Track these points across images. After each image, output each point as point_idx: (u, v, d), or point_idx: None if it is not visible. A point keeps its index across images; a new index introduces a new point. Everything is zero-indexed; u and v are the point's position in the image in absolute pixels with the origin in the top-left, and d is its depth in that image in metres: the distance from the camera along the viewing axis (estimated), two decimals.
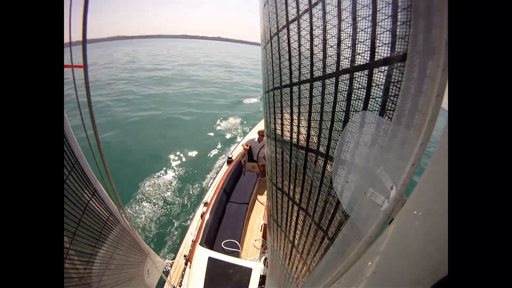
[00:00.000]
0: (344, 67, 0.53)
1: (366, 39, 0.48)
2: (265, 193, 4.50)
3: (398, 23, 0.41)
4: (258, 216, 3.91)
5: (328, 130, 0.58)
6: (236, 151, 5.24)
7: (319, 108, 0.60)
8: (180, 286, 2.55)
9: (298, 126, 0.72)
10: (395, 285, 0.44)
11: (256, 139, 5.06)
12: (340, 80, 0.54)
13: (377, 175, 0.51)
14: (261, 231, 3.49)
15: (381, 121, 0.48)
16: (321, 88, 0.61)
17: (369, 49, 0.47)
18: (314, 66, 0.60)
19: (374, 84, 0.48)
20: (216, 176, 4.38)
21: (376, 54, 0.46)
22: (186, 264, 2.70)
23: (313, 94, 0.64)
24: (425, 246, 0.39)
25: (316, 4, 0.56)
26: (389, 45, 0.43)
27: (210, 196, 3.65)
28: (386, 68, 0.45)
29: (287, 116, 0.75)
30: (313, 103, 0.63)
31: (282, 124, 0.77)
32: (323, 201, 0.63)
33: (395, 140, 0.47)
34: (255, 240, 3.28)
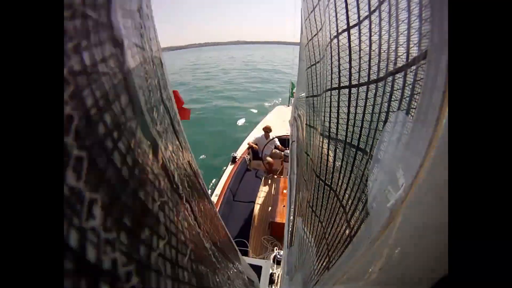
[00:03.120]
0: (390, 71, 0.56)
1: (404, 42, 0.52)
2: (272, 191, 4.51)
3: (423, 22, 0.42)
4: (265, 214, 3.94)
5: (374, 130, 0.61)
6: (241, 150, 5.25)
7: (371, 109, 0.64)
8: None
9: (347, 125, 0.77)
10: (394, 285, 0.45)
11: (263, 136, 5.06)
12: (386, 83, 0.57)
13: (395, 172, 0.51)
14: (268, 229, 3.52)
15: (407, 119, 0.49)
16: (365, 92, 0.65)
17: (405, 51, 0.51)
18: (371, 70, 0.66)
19: (406, 84, 0.50)
20: (221, 176, 4.40)
21: (410, 55, 0.49)
22: None
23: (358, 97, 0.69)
24: (425, 246, 0.39)
25: (374, 11, 0.60)
26: (417, 45, 0.45)
27: (216, 196, 3.69)
28: (414, 67, 0.46)
29: (342, 115, 0.79)
30: (364, 105, 0.67)
31: (337, 123, 0.81)
32: (357, 199, 0.65)
33: (413, 137, 0.47)
34: (263, 238, 3.31)
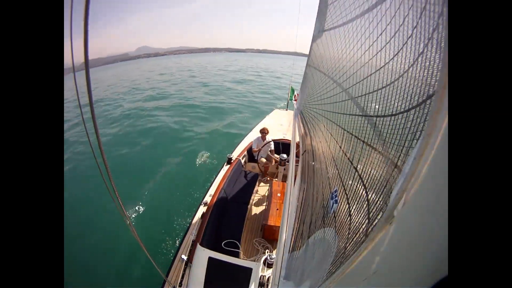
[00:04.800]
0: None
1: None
2: (266, 193, 4.50)
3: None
4: (258, 216, 3.93)
5: (406, 148, 0.61)
6: (236, 151, 5.23)
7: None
8: (180, 286, 2.56)
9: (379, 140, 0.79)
10: (395, 285, 0.45)
11: (259, 138, 5.02)
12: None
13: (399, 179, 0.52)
14: (261, 231, 3.51)
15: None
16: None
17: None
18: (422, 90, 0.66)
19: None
20: (216, 176, 4.37)
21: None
22: (186, 264, 2.71)
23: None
24: (425, 246, 0.40)
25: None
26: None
27: (210, 196, 3.66)
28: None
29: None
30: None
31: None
32: (381, 210, 0.66)
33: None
34: (255, 240, 3.30)
